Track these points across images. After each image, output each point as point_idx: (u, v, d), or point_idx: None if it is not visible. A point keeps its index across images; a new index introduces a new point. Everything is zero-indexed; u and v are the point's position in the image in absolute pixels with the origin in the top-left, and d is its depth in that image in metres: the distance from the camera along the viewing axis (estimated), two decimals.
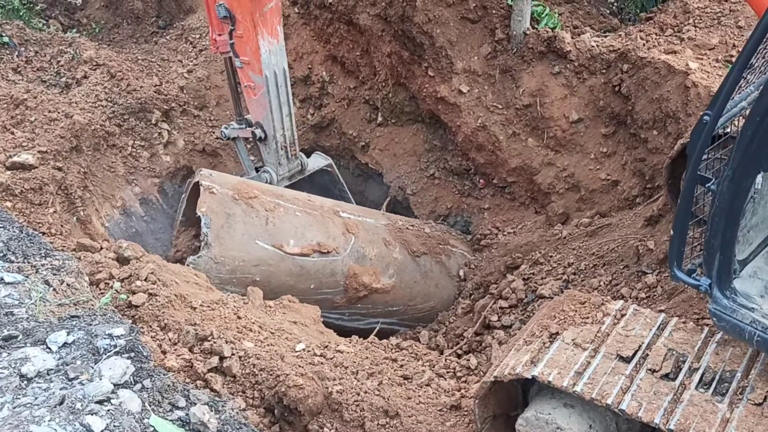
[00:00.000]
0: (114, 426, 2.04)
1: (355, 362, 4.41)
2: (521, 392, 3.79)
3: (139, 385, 2.26)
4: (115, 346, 2.39)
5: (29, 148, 7.22)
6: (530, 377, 3.34)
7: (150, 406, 2.19)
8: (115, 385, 2.21)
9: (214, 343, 4.08)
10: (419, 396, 4.23)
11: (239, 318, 4.66)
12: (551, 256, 6.49)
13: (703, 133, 2.68)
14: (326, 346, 4.62)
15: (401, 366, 4.74)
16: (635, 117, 6.57)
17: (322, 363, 4.25)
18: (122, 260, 4.86)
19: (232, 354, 4.04)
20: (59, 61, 9.26)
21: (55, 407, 2.07)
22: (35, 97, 7.98)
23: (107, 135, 7.94)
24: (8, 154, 7.06)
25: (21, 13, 10.24)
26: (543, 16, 7.64)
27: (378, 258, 6.43)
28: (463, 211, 8.08)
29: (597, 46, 7.10)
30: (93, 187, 7.73)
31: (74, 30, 10.51)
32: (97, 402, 2.12)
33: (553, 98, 7.24)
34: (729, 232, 2.78)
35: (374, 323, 6.32)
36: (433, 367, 4.80)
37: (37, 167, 7.04)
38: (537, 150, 7.39)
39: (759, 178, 2.68)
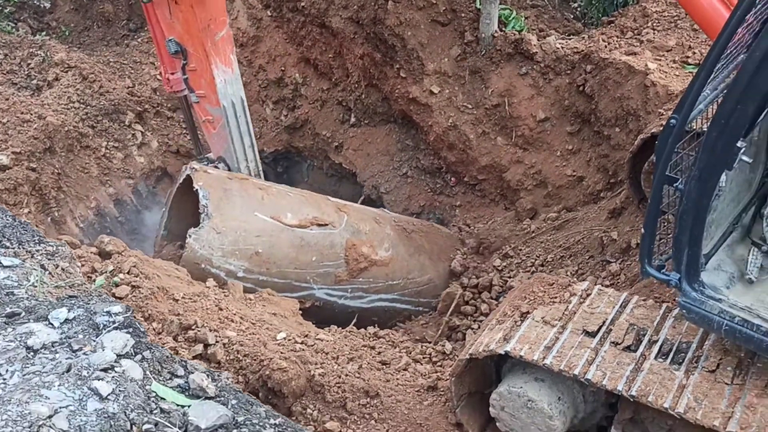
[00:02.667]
0: (119, 390, 2.18)
1: (335, 348, 4.57)
2: (495, 370, 3.99)
3: (139, 356, 2.40)
4: (114, 322, 2.52)
5: (3, 149, 7.24)
6: (503, 353, 3.54)
7: (151, 374, 2.33)
8: (117, 355, 2.35)
9: (198, 331, 4.20)
10: (397, 379, 4.41)
11: (221, 309, 4.78)
12: (521, 250, 6.73)
13: (671, 135, 2.89)
14: (306, 335, 4.78)
15: (379, 353, 4.91)
16: (598, 115, 6.85)
17: (303, 350, 4.40)
18: (104, 254, 4.95)
19: (216, 341, 4.17)
20: (29, 64, 9.25)
21: (62, 374, 2.20)
22: (7, 99, 7.97)
23: (80, 136, 7.98)
24: None
25: None
26: (510, 19, 7.91)
27: (372, 233, 6.49)
28: (435, 208, 8.28)
29: (562, 48, 7.37)
30: (67, 188, 7.76)
31: (44, 33, 10.49)
32: (101, 370, 2.25)
33: (521, 98, 7.49)
34: (696, 228, 2.98)
35: (377, 300, 6.31)
36: (410, 353, 4.99)
37: (11, 168, 7.07)
38: (506, 148, 7.63)
39: (723, 177, 2.88)
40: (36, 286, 2.70)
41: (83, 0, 10.99)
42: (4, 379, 2.16)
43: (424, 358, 4.93)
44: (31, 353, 2.29)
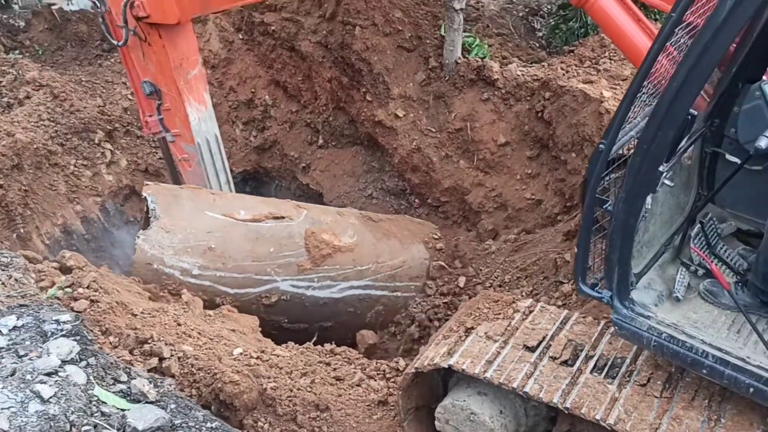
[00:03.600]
0: (61, 394, 2.27)
1: (289, 364, 4.66)
2: (442, 385, 4.11)
3: (84, 362, 2.49)
4: (62, 330, 2.61)
5: None
6: (446, 366, 3.67)
7: (94, 379, 2.42)
8: (62, 361, 2.43)
9: (154, 345, 4.27)
10: (349, 394, 4.50)
11: (179, 325, 4.85)
12: (480, 270, 6.88)
13: (599, 159, 3.08)
14: (263, 351, 4.86)
15: (334, 369, 4.99)
16: (556, 140, 7.07)
17: (258, 365, 4.49)
18: (65, 269, 5.01)
19: (171, 355, 4.23)
20: (1, 82, 9.30)
21: (7, 378, 2.28)
22: None
23: (49, 154, 8.02)
24: None
25: None
26: (474, 46, 8.16)
27: (334, 222, 6.35)
28: None
29: (522, 75, 7.61)
30: (34, 205, 7.78)
31: (17, 51, 10.56)
32: (45, 374, 2.34)
33: (483, 123, 7.71)
34: (625, 248, 3.15)
35: (348, 289, 6.07)
36: (365, 369, 5.08)
37: None
38: (468, 171, 7.82)
39: (648, 199, 3.06)
40: None
41: (58, 20, 11.11)
42: None
43: (378, 374, 5.02)
44: None
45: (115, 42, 6.40)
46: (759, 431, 3.09)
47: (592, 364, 3.55)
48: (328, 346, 5.69)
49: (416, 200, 8.31)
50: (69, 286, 4.52)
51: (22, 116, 8.25)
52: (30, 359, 2.40)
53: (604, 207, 3.08)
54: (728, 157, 3.58)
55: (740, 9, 2.41)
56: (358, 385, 4.73)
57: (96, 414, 2.25)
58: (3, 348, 2.43)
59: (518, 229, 7.35)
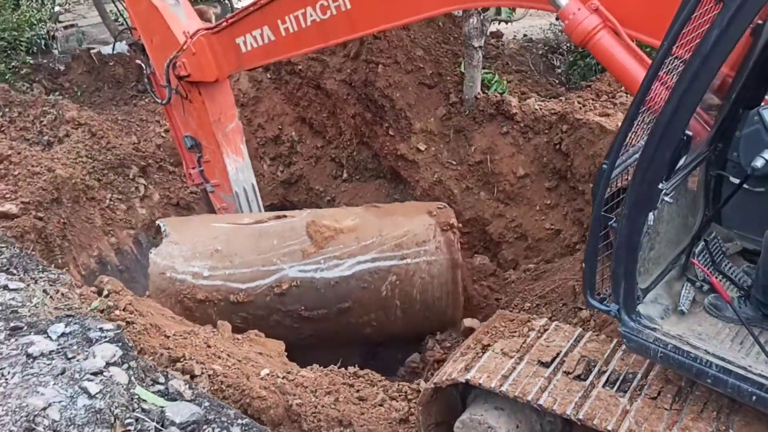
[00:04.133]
0: (106, 391, 2.49)
1: (314, 383, 4.84)
2: (461, 402, 4.25)
3: (126, 365, 2.71)
4: (105, 337, 2.84)
5: (12, 199, 7.66)
6: (464, 381, 3.83)
7: (135, 380, 2.64)
8: (106, 363, 2.65)
9: (186, 363, 4.49)
10: (372, 412, 4.66)
11: (209, 347, 5.08)
12: (500, 299, 7.03)
13: (602, 179, 3.28)
14: (289, 372, 5.06)
15: (357, 390, 5.16)
16: (574, 172, 7.26)
17: (284, 384, 4.68)
18: (103, 294, 5.29)
19: (202, 373, 4.45)
20: (42, 121, 9.78)
21: (57, 376, 2.51)
22: (19, 153, 8.45)
23: (87, 188, 8.41)
24: None
25: (6, 77, 10.81)
26: (493, 82, 8.44)
27: (335, 213, 6.60)
28: None
29: (540, 109, 7.86)
30: (71, 237, 8.13)
31: (57, 93, 11.09)
32: (92, 374, 2.56)
33: (502, 155, 7.94)
34: (630, 263, 3.31)
35: (355, 265, 6.05)
36: (387, 391, 5.24)
37: (19, 216, 7.47)
38: (488, 203, 8.03)
39: (651, 216, 3.24)
40: (38, 307, 3.04)
41: (96, 63, 11.67)
42: (6, 380, 2.48)
43: (400, 395, 5.17)
44: (31, 359, 2.61)
45: (159, 101, 6.83)
46: None
47: (604, 378, 3.68)
48: (351, 369, 5.87)
49: None
50: (106, 309, 4.79)
51: (61, 153, 8.68)
52: (77, 361, 2.63)
53: (610, 223, 3.26)
54: (732, 179, 3.74)
55: (725, 39, 2.62)
56: (381, 405, 4.89)
57: (137, 410, 2.46)
58: (53, 351, 2.67)
59: (538, 259, 7.50)
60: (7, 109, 9.88)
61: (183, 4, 6.54)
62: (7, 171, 8.19)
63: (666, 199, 3.08)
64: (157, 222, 6.20)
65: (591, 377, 3.70)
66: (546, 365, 3.82)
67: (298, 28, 5.56)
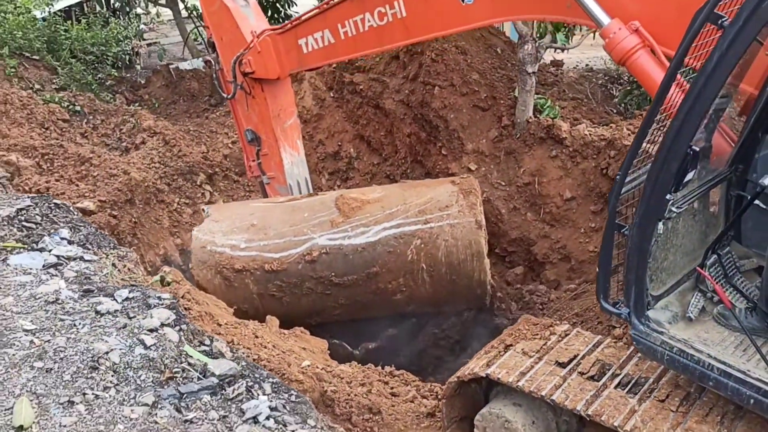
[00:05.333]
0: (159, 345, 2.89)
1: (350, 376, 5.18)
2: (483, 398, 4.50)
3: (178, 327, 3.11)
4: (162, 303, 3.26)
5: (91, 197, 8.34)
6: (484, 375, 4.09)
7: (185, 339, 3.03)
8: (161, 323, 3.06)
9: (234, 347, 4.90)
10: (401, 406, 4.96)
11: (257, 337, 5.48)
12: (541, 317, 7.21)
13: (615, 189, 3.54)
14: (328, 365, 5.41)
15: (391, 387, 5.47)
16: None
17: (322, 373, 5.03)
18: (165, 283, 5.78)
19: (248, 356, 4.85)
20: (121, 129, 10.58)
21: (119, 329, 2.93)
22: (99, 156, 9.19)
23: (157, 192, 9.04)
24: (72, 201, 8.16)
25: (93, 87, 11.71)
26: (545, 107, 8.69)
27: (362, 189, 6.99)
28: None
29: (590, 134, 8.06)
30: (141, 235, 8.75)
31: (137, 104, 11.93)
32: (148, 330, 2.97)
33: (550, 178, 8.16)
34: (641, 269, 3.54)
35: (382, 231, 6.27)
36: (419, 390, 5.52)
37: (95, 213, 8.12)
38: (534, 223, 8.24)
39: (660, 225, 3.48)
40: (107, 276, 3.49)
41: (173, 77, 12.48)
42: (77, 329, 2.91)
43: (431, 394, 5.45)
44: (99, 315, 3.04)
45: (225, 95, 7.39)
46: None
47: (617, 381, 3.88)
48: (387, 369, 6.18)
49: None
50: (166, 282, 5.25)
51: (137, 158, 9.36)
52: (137, 319, 3.05)
53: (622, 231, 3.50)
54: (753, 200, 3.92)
55: (725, 61, 2.87)
56: (411, 401, 5.18)
57: (184, 363, 2.85)
58: (117, 311, 3.10)
59: (580, 280, 7.66)
60: (91, 117, 10.72)
61: (252, 5, 7.02)
62: (88, 172, 8.90)
63: (673, 209, 3.32)
64: (202, 207, 6.62)
65: (604, 379, 3.92)
66: (563, 365, 4.05)
67: (357, 32, 5.89)
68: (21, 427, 2.33)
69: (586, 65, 12.76)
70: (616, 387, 3.85)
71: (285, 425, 2.63)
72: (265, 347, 5.37)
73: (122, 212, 8.50)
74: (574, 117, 8.99)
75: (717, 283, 3.63)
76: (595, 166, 7.86)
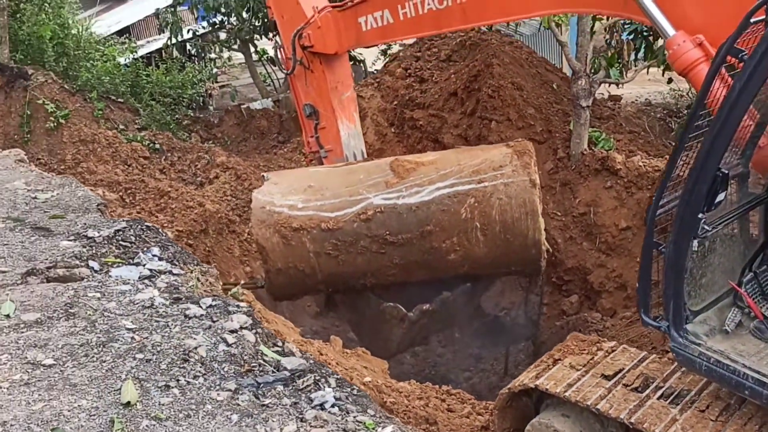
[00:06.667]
0: (239, 343, 3.30)
1: (408, 391, 5.50)
2: (535, 410, 4.74)
3: (254, 330, 3.52)
4: (240, 310, 3.69)
5: (170, 227, 8.98)
6: (533, 386, 4.35)
7: (260, 341, 3.44)
8: (240, 326, 3.48)
9: None
10: (457, 420, 5.24)
11: (321, 354, 5.87)
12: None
13: (651, 209, 3.83)
14: (388, 382, 5.75)
15: (448, 404, 5.76)
16: None
17: (382, 386, 5.37)
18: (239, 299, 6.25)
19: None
20: (197, 165, 11.32)
21: (205, 330, 3.37)
22: (176, 190, 9.88)
23: (229, 222, 9.63)
24: None
25: (171, 127, 12.57)
26: (600, 140, 8.94)
27: (417, 155, 7.00)
28: (524, 305, 9.07)
29: (644, 165, 8.26)
30: (214, 263, 9.31)
31: (210, 141, 12.72)
32: (229, 331, 3.40)
33: (605, 208, 8.37)
34: (678, 284, 3.78)
35: (435, 191, 6.25)
36: (475, 407, 5.78)
37: (174, 242, 8.74)
38: (590, 253, 8.43)
39: (694, 243, 3.73)
40: (192, 287, 3.96)
41: (244, 116, 13.26)
42: (170, 329, 3.37)
43: (486, 411, 5.70)
44: (187, 318, 3.49)
45: (285, 72, 7.73)
46: None
47: (660, 392, 4.09)
48: (444, 387, 6.46)
49: (541, 278, 8.96)
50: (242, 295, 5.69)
51: (211, 191, 10.03)
52: (219, 322, 3.48)
53: (659, 249, 3.76)
54: None
55: (747, 91, 3.15)
56: (467, 417, 5.45)
57: (260, 359, 3.26)
58: (203, 315, 3.56)
59: (635, 309, 7.78)
60: (169, 154, 11.52)
61: None
62: (166, 204, 9.59)
63: (706, 227, 3.57)
64: (262, 174, 6.98)
65: (648, 391, 4.13)
66: (608, 378, 4.28)
67: (416, 14, 6.04)
68: (128, 403, 2.77)
69: (645, 99, 12.92)
70: (658, 398, 4.06)
71: (347, 412, 2.98)
72: (329, 364, 5.76)
73: (197, 241, 9.10)
74: (629, 149, 9.19)
75: (751, 297, 3.82)
76: (650, 196, 8.02)
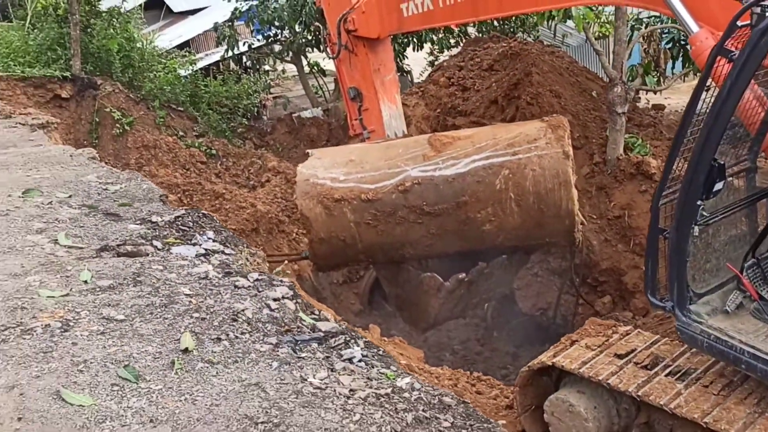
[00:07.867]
0: (281, 309, 3.78)
1: (438, 373, 5.89)
2: (555, 388, 5.08)
3: (294, 301, 3.99)
4: (283, 284, 4.18)
5: (224, 227, 9.58)
6: (550, 364, 4.70)
7: (299, 309, 3.92)
8: (282, 296, 3.96)
9: None
10: (484, 400, 5.61)
11: None
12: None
13: (656, 197, 4.17)
14: (422, 366, 6.16)
15: (477, 389, 6.13)
16: None
17: (414, 367, 5.79)
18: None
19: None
20: (250, 170, 11.97)
21: (252, 297, 3.86)
22: (231, 193, 10.51)
23: (279, 222, 10.19)
24: None
25: (226, 134, 13.29)
26: (636, 145, 9.20)
27: (454, 131, 7.39)
28: (561, 306, 9.35)
29: (678, 169, 8.46)
30: None
31: (263, 148, 13.38)
32: (273, 299, 3.88)
33: (640, 211, 8.61)
34: (681, 267, 4.10)
35: (470, 163, 6.45)
36: (503, 392, 6.13)
37: None
38: (625, 254, 8.68)
39: (695, 229, 4.06)
40: (242, 265, 4.47)
41: (295, 125, 13.89)
42: (222, 296, 3.88)
43: (513, 395, 6.05)
44: (237, 288, 3.99)
45: (330, 56, 8.18)
46: None
47: (668, 370, 4.41)
48: (476, 374, 6.83)
49: (577, 279, 9.23)
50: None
51: (262, 194, 10.63)
52: (264, 292, 3.97)
53: (664, 234, 4.10)
54: None
55: (736, 87, 3.49)
56: (494, 399, 5.82)
57: (298, 323, 3.73)
58: (250, 286, 4.05)
59: None
60: (224, 159, 12.20)
61: None
62: (221, 205, 10.22)
63: (705, 213, 3.90)
64: (307, 151, 7.45)
65: (656, 369, 4.45)
66: (621, 357, 4.61)
67: (455, 1, 6.37)
68: (186, 349, 3.27)
69: None
70: (666, 375, 4.38)
71: (372, 366, 3.41)
72: None
73: (249, 239, 9.64)
74: (666, 155, 9.39)
75: (753, 282, 4.12)
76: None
